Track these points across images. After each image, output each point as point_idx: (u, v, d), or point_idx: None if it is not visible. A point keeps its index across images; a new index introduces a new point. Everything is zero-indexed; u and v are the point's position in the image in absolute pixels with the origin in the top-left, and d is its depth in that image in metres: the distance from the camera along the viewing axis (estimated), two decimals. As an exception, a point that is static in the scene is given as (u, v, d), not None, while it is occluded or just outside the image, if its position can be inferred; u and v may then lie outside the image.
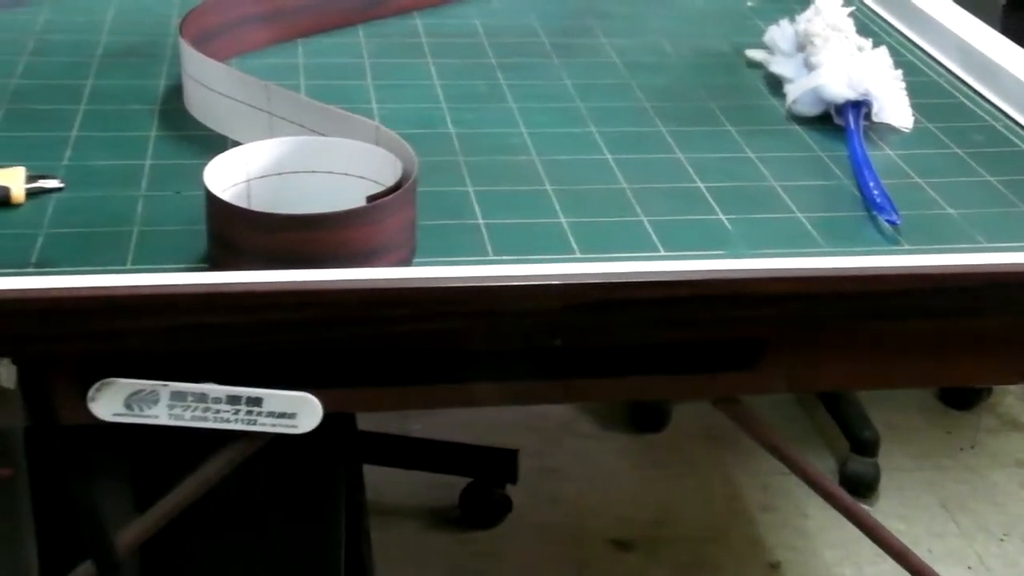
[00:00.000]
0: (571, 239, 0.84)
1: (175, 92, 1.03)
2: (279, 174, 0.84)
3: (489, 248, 0.83)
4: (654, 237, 0.85)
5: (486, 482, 1.81)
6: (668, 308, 0.77)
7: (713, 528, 1.82)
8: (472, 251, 0.82)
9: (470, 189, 0.90)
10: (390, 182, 0.80)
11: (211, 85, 0.97)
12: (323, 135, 0.88)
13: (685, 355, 0.82)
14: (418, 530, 1.78)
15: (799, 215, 0.89)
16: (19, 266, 0.77)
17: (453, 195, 0.89)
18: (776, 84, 1.11)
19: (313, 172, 0.85)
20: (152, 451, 0.82)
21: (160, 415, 0.74)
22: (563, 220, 0.87)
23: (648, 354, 0.82)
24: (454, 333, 0.75)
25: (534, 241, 0.84)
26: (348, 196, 0.82)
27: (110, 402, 0.73)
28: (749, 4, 1.33)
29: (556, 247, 0.83)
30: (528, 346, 0.80)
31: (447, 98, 1.06)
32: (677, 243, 0.84)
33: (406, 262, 0.79)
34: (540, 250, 0.82)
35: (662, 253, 0.83)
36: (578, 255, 0.82)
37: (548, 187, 0.92)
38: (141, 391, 0.73)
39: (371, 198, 0.77)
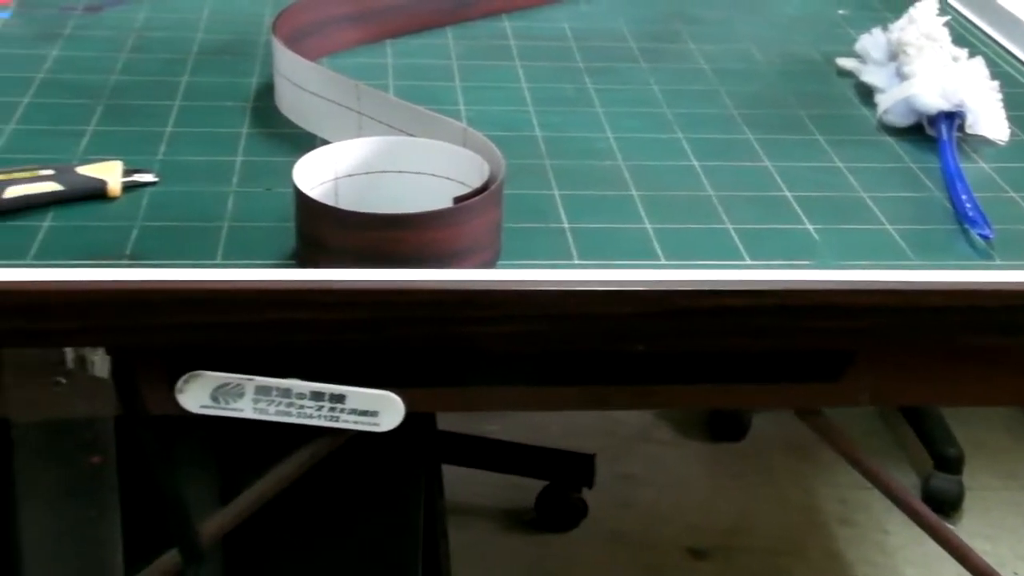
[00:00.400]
0: (656, 245, 0.84)
1: (267, 90, 1.04)
2: (366, 173, 0.85)
3: (574, 252, 0.83)
4: (739, 245, 0.84)
5: (562, 486, 1.81)
6: (753, 317, 0.76)
7: (790, 540, 1.80)
8: (556, 255, 0.82)
9: (555, 193, 0.91)
10: (476, 184, 0.80)
11: (302, 84, 0.98)
12: (411, 135, 0.89)
13: (768, 364, 0.82)
14: (493, 531, 1.78)
15: (888, 227, 0.88)
16: (114, 257, 0.78)
17: (538, 198, 0.90)
18: (867, 94, 1.10)
19: (400, 172, 0.85)
20: (236, 444, 0.83)
21: (245, 409, 0.75)
22: (648, 226, 0.87)
23: (731, 362, 0.82)
24: (537, 336, 0.75)
25: (619, 246, 0.83)
26: (434, 197, 0.82)
27: (197, 394, 0.74)
28: (841, 12, 1.32)
29: (641, 252, 0.83)
30: (610, 351, 0.80)
31: (534, 101, 1.06)
32: (763, 252, 0.83)
33: (490, 264, 0.79)
34: (624, 255, 0.82)
35: (747, 262, 0.82)
36: (663, 261, 0.82)
37: (634, 192, 0.91)
38: (227, 384, 0.74)
39: (457, 199, 0.77)
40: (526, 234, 0.84)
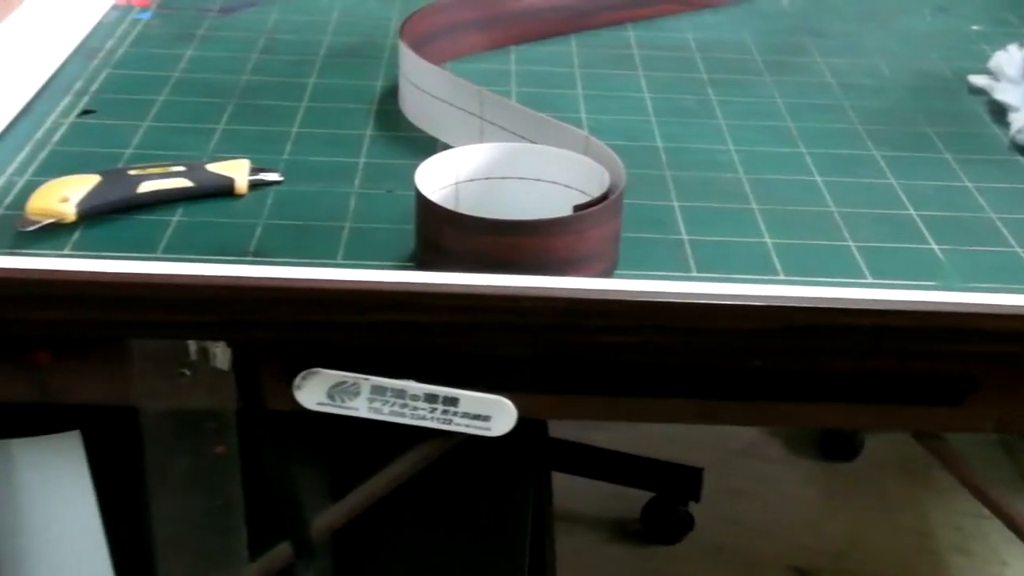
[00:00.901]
0: (775, 260, 0.83)
1: (391, 93, 1.06)
2: (487, 179, 0.86)
3: (692, 264, 0.82)
4: (862, 263, 0.83)
5: (669, 498, 1.80)
6: (875, 337, 0.75)
7: (900, 566, 1.76)
8: (674, 266, 0.81)
9: (675, 204, 0.90)
10: (597, 193, 0.80)
11: (426, 88, 0.99)
12: (533, 142, 0.89)
13: (887, 385, 0.80)
14: (599, 541, 1.78)
15: (1018, 250, 0.85)
16: (238, 254, 0.80)
17: (658, 209, 0.89)
18: (1000, 112, 1.07)
19: (521, 179, 0.86)
20: (349, 442, 0.85)
21: (360, 408, 0.76)
22: (768, 240, 0.86)
23: (849, 382, 0.80)
24: (651, 347, 0.75)
25: (738, 260, 0.83)
26: (554, 204, 0.82)
27: (314, 391, 0.75)
28: (975, 28, 1.29)
29: (760, 267, 0.82)
30: (725, 365, 0.79)
31: (656, 111, 1.06)
32: (886, 271, 0.82)
33: (607, 273, 0.79)
34: (743, 269, 0.81)
35: (869, 280, 0.81)
36: (782, 277, 0.81)
37: (754, 206, 0.90)
38: (344, 383, 0.75)
39: (577, 208, 0.78)
40: (644, 245, 0.84)
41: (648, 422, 0.81)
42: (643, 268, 0.81)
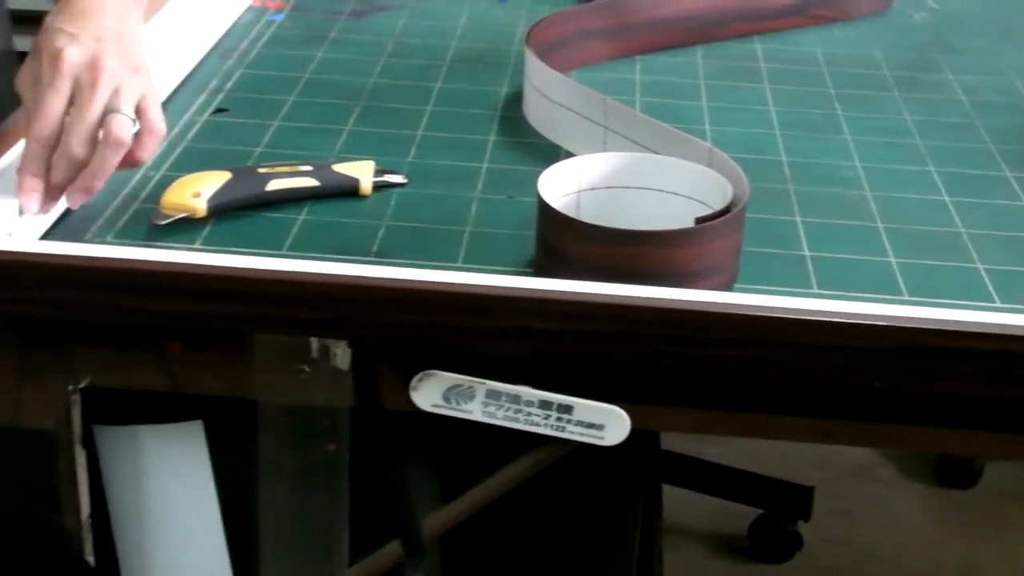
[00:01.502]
0: (900, 280, 0.81)
1: (515, 99, 1.07)
2: (609, 188, 0.86)
3: (813, 281, 0.81)
4: (990, 286, 0.81)
5: (778, 516, 1.77)
6: (1001, 363, 0.73)
7: (1017, 598, 1.71)
8: (795, 282, 0.81)
9: (798, 219, 0.89)
10: (719, 205, 0.80)
11: (551, 95, 0.99)
12: (656, 153, 0.89)
13: (1011, 413, 0.78)
14: (705, 556, 1.76)
15: None
16: (361, 254, 0.82)
17: (780, 224, 0.88)
18: None
19: (643, 189, 0.86)
20: (462, 445, 0.85)
21: (474, 411, 0.77)
22: (892, 259, 0.84)
23: (970, 407, 0.79)
24: (770, 363, 0.74)
25: (860, 278, 0.81)
26: (675, 215, 0.82)
27: (430, 393, 0.76)
28: (1117, 47, 1.25)
29: (883, 286, 0.81)
30: (843, 385, 0.78)
31: (781, 125, 1.05)
32: (1015, 295, 0.80)
33: (727, 287, 0.79)
34: (866, 288, 0.80)
35: (998, 304, 0.79)
36: (906, 297, 0.79)
37: (879, 224, 0.89)
38: (459, 386, 0.76)
39: (699, 220, 0.77)
40: (765, 259, 0.83)
41: (764, 439, 0.80)
42: (763, 283, 0.80)
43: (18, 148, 0.86)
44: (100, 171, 0.81)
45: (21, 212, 0.80)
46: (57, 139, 0.80)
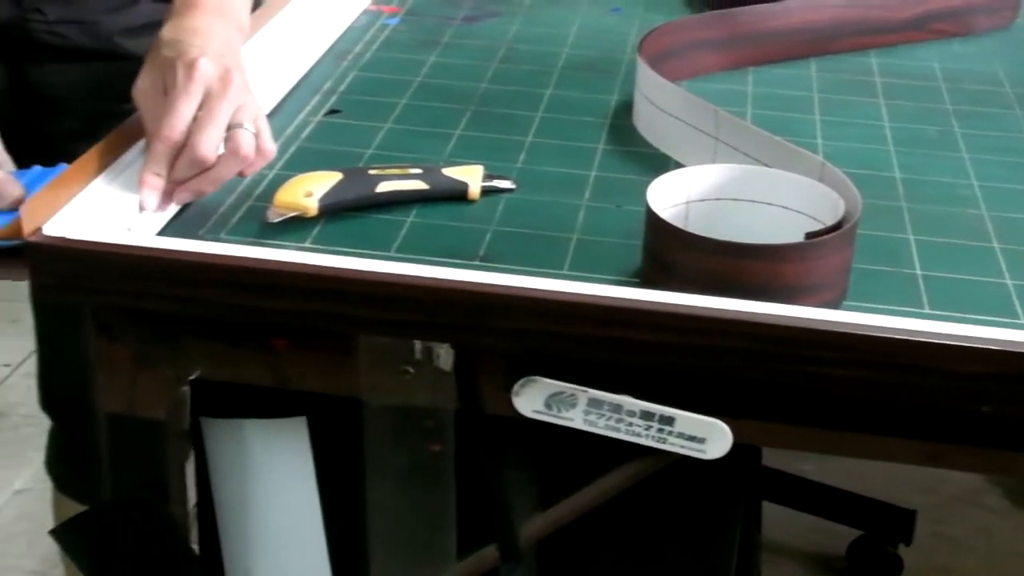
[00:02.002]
0: (1016, 303, 0.80)
1: (625, 108, 1.06)
2: (717, 199, 0.85)
3: (925, 301, 0.79)
4: (1111, 313, 0.79)
5: (878, 538, 1.74)
6: (1120, 392, 0.71)
7: (1126, 635, 1.66)
8: (906, 302, 0.79)
9: (910, 237, 0.87)
10: (829, 221, 0.79)
11: (661, 105, 0.99)
12: (767, 165, 0.88)
13: None
14: (802, 575, 1.74)
15: None
16: (468, 258, 0.82)
17: (891, 241, 0.87)
18: None
19: (752, 202, 0.85)
20: (561, 452, 0.85)
21: (575, 419, 0.76)
22: (1009, 282, 0.82)
23: (1086, 437, 0.76)
24: (878, 383, 0.73)
25: (974, 300, 0.80)
26: (784, 230, 0.81)
27: (532, 399, 0.76)
28: None
29: (998, 309, 0.79)
30: (951, 408, 0.76)
31: (895, 141, 1.03)
32: None
33: (835, 304, 0.78)
34: (980, 310, 0.78)
35: (1119, 331, 0.77)
36: (1022, 321, 0.78)
37: (996, 245, 0.87)
38: (561, 393, 0.76)
39: (810, 235, 0.76)
40: (875, 277, 0.82)
41: (867, 459, 0.79)
42: (873, 301, 0.79)
43: (136, 149, 0.88)
44: (218, 178, 0.84)
45: (141, 208, 0.82)
46: (183, 142, 0.82)
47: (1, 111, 1.06)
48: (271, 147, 0.86)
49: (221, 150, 0.83)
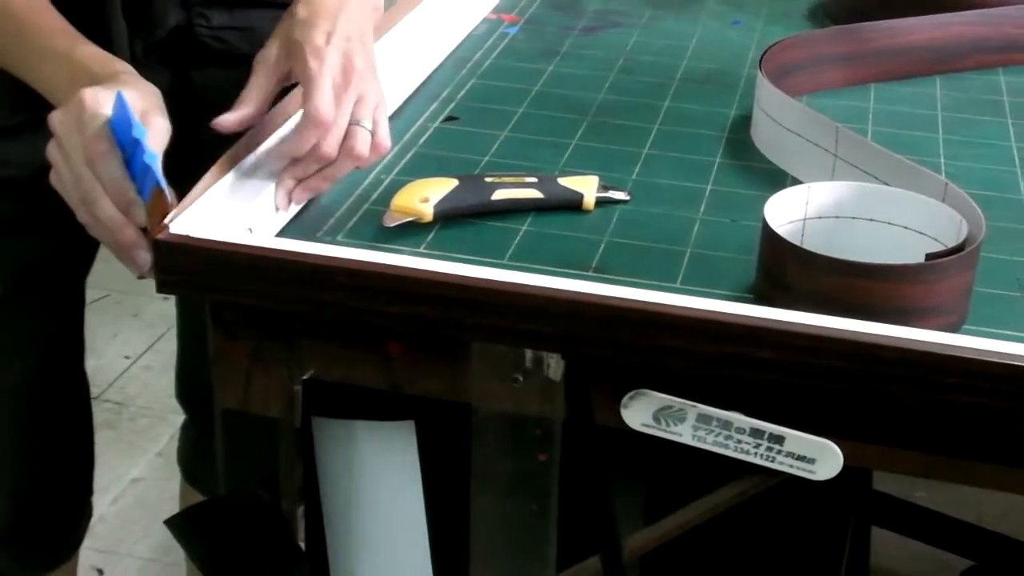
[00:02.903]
0: None
1: (743, 122, 1.05)
2: (836, 217, 0.84)
3: (1050, 328, 0.77)
4: None
5: (992, 570, 1.69)
6: None
7: None
8: (1030, 327, 0.77)
9: (1036, 261, 0.85)
10: (951, 242, 0.77)
11: (781, 120, 0.98)
12: (887, 184, 0.87)
13: None
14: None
15: None
16: (581, 268, 0.82)
17: (1016, 265, 0.85)
18: None
19: (871, 220, 0.83)
20: (668, 466, 0.85)
21: (684, 434, 0.76)
22: None
23: None
24: (1000, 411, 0.71)
25: (1102, 328, 0.77)
26: (904, 250, 0.80)
27: (640, 412, 0.76)
28: None
29: None
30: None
31: (1023, 162, 1.01)
32: None
33: (954, 328, 0.76)
34: (1109, 339, 0.76)
35: None
36: None
37: None
38: (670, 407, 0.75)
39: (930, 256, 0.75)
40: (998, 301, 0.80)
41: (990, 488, 0.77)
42: (995, 326, 0.77)
43: (259, 151, 0.90)
44: (333, 177, 0.86)
45: (276, 209, 0.85)
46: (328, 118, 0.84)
47: None
48: (386, 143, 0.87)
49: None
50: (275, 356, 0.82)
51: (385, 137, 0.87)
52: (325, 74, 0.84)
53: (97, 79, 0.83)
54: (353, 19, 0.89)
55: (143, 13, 1.03)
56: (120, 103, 0.78)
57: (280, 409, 0.84)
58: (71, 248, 1.09)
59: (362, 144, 0.84)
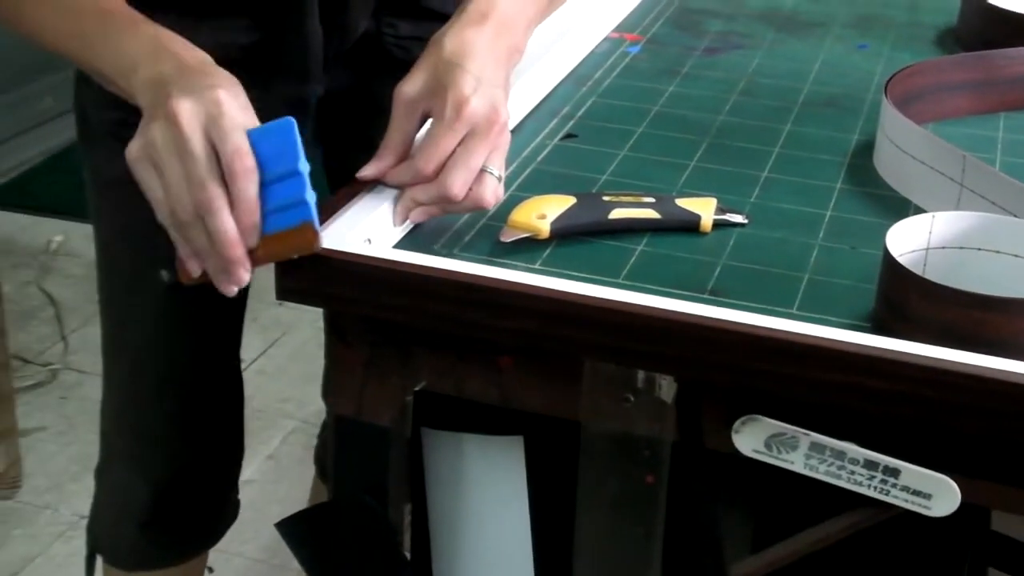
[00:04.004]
0: None
1: (866, 148, 1.04)
2: (960, 248, 0.82)
3: None
4: None
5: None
6: None
7: None
8: None
9: None
10: (1082, 278, 0.75)
11: (905, 147, 0.96)
12: (1015, 215, 0.85)
13: None
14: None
15: None
16: (697, 290, 0.82)
17: None
18: None
19: (997, 252, 0.81)
20: (778, 494, 0.84)
21: (796, 462, 0.75)
22: None
23: None
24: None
25: None
26: (1031, 284, 0.78)
27: (752, 438, 0.75)
28: None
29: None
30: None
31: None
32: None
33: (1083, 365, 0.74)
34: None
35: None
36: None
37: None
38: (783, 434, 0.75)
39: (1060, 291, 0.73)
40: None
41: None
42: (1125, 366, 0.74)
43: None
44: (450, 211, 0.87)
45: (395, 224, 0.87)
46: (436, 174, 0.84)
47: (334, 111, 1.12)
48: (502, 195, 0.87)
49: None
50: (389, 366, 0.83)
51: (501, 189, 0.87)
52: (463, 121, 0.84)
53: (183, 61, 0.81)
54: (498, 63, 0.88)
55: (338, 19, 1.06)
56: (289, 128, 0.77)
57: (392, 418, 0.84)
58: None
59: (490, 193, 0.85)
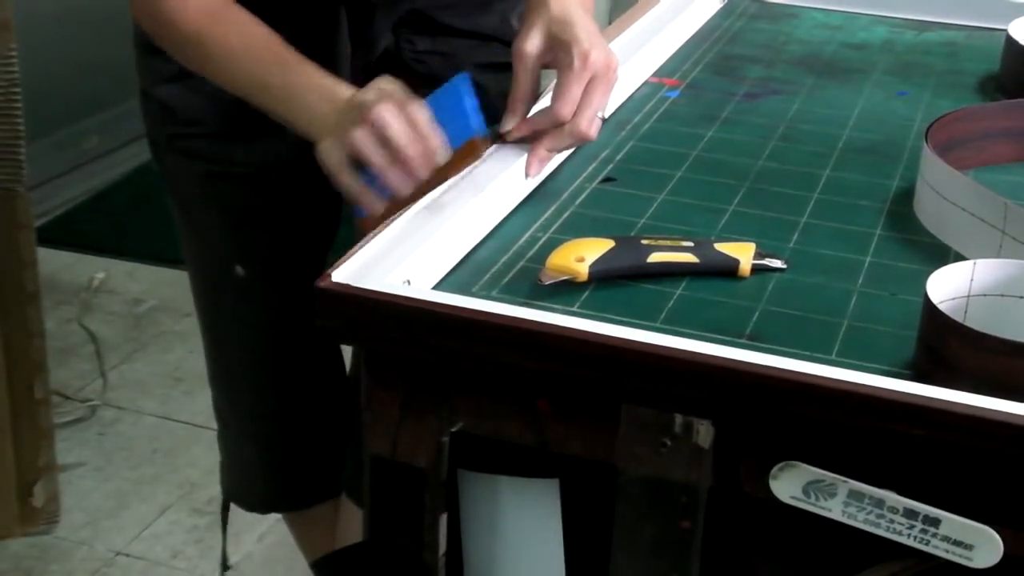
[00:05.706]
0: None
1: (906, 195, 1.03)
2: (1002, 296, 0.81)
3: None
4: None
5: None
6: None
7: None
8: None
9: None
10: None
11: (946, 194, 0.96)
12: (1058, 264, 0.84)
13: None
14: None
15: None
16: (735, 335, 0.81)
17: None
18: None
19: (1041, 301, 0.81)
20: (815, 541, 0.83)
21: (834, 509, 0.74)
22: None
23: None
24: None
25: None
26: (1074, 333, 0.77)
27: (790, 484, 0.75)
28: None
29: None
30: None
31: None
32: None
33: None
34: None
35: None
36: None
37: None
38: (821, 481, 0.74)
39: (1104, 341, 0.72)
40: None
41: None
42: None
43: (420, 204, 0.92)
44: (564, 151, 1.03)
45: (526, 175, 0.99)
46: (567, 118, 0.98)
47: None
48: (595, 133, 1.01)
49: None
50: (426, 407, 0.83)
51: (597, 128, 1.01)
52: (589, 69, 0.98)
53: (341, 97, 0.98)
54: (590, 12, 1.03)
55: (364, 34, 1.16)
56: (461, 81, 0.96)
57: (427, 460, 0.84)
58: (306, 236, 1.24)
59: (596, 131, 1.00)
